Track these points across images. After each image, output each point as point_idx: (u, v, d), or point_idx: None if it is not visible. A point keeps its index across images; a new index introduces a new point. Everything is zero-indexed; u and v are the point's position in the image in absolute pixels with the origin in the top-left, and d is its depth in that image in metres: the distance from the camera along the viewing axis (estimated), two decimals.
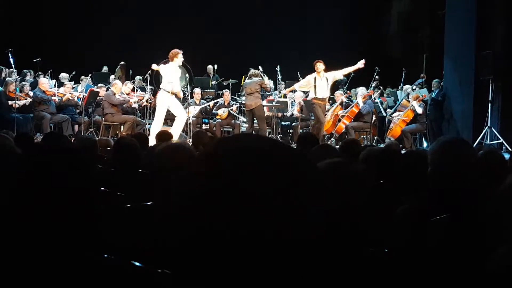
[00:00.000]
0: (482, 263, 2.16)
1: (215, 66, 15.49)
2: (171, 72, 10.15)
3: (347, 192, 1.59)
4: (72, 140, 8.60)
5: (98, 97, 12.05)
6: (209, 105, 13.02)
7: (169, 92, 10.14)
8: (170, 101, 10.27)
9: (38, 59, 13.33)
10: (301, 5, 16.71)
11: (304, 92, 12.12)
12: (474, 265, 2.21)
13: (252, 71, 11.67)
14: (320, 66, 10.94)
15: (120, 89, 12.04)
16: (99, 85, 12.91)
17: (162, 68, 10.29)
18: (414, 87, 13.01)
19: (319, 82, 10.95)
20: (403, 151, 5.71)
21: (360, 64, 11.09)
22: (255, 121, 11.70)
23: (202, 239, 0.86)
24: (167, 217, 0.92)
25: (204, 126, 13.03)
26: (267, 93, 12.83)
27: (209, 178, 0.88)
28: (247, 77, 11.79)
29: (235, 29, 16.26)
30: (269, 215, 0.85)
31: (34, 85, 12.25)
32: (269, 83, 12.08)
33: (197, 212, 0.87)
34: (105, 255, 1.40)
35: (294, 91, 12.38)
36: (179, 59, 10.17)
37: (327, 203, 0.91)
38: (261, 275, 0.86)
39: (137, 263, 1.37)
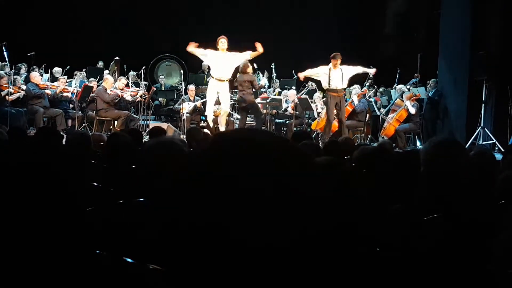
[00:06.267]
0: (474, 261, 2.17)
1: None
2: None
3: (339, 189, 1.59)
4: (65, 135, 8.57)
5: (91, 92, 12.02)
6: (196, 105, 12.74)
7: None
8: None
9: (32, 53, 13.27)
10: (296, 3, 16.69)
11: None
12: (465, 264, 2.22)
13: (243, 63, 11.26)
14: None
15: (112, 84, 12.02)
16: (90, 79, 12.84)
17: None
18: (408, 87, 13.02)
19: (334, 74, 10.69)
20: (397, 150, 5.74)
21: (372, 71, 11.38)
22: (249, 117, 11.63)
23: (196, 232, 0.86)
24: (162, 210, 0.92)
25: (202, 123, 12.90)
26: (262, 89, 12.78)
27: (209, 167, 0.88)
28: (239, 71, 11.44)
29: (230, 26, 16.23)
30: (265, 205, 0.85)
31: (28, 80, 12.20)
32: (260, 82, 11.86)
33: (195, 202, 0.86)
34: (97, 251, 1.40)
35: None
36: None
37: (321, 194, 0.91)
38: (253, 271, 0.85)
39: (129, 259, 1.37)
